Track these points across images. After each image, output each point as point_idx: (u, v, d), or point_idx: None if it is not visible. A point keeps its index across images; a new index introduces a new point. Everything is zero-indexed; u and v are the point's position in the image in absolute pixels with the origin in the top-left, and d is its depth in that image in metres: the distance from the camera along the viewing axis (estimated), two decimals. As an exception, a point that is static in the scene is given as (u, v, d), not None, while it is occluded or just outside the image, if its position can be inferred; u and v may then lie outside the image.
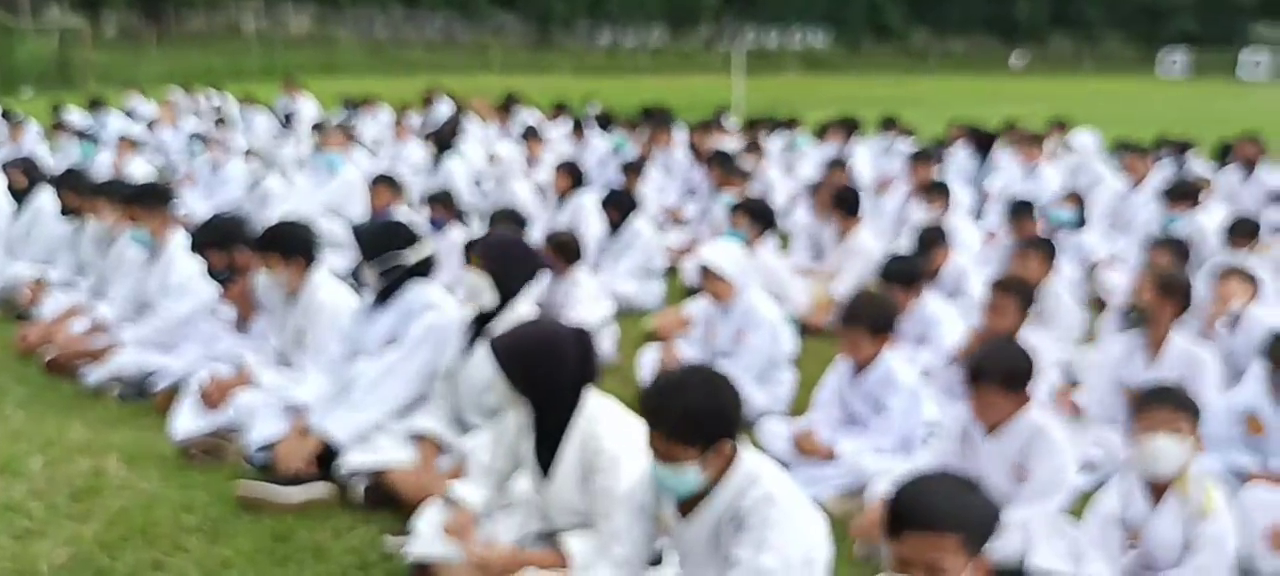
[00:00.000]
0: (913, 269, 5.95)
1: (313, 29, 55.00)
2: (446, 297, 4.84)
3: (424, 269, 4.84)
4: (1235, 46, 52.15)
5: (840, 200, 7.91)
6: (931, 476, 2.73)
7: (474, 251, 4.41)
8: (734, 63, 25.78)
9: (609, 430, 3.42)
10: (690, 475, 2.91)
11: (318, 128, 12.23)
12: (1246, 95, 37.26)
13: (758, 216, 7.37)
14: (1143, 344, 4.90)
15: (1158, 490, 3.52)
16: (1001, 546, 3.69)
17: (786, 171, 12.06)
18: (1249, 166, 10.19)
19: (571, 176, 8.75)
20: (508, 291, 4.26)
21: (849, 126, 13.26)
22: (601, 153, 12.73)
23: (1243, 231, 6.86)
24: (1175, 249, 6.08)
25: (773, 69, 48.87)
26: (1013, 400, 3.88)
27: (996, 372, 3.89)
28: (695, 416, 2.87)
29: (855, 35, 63.90)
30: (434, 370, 4.48)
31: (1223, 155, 11.27)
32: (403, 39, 54.86)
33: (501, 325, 3.95)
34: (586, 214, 8.38)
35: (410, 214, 8.00)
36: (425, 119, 15.78)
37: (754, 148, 11.52)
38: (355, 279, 6.07)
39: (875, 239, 8.05)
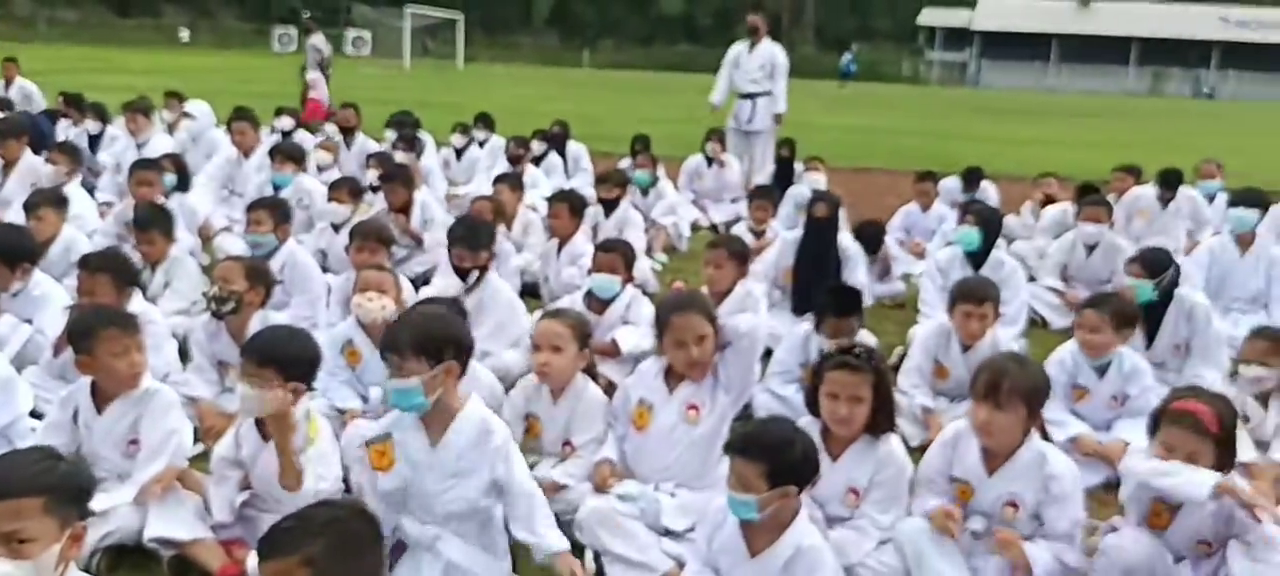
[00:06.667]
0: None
1: None
2: None
3: None
4: (341, 26, 56.98)
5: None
6: (21, 451, 2.71)
7: None
8: None
9: None
10: None
11: None
12: (352, 69, 40.96)
13: None
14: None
15: (265, 428, 3.67)
16: (119, 522, 3.61)
17: None
18: (349, 132, 11.25)
19: None
20: None
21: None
22: None
23: (348, 189, 7.61)
24: (275, 210, 6.40)
25: None
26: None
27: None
28: None
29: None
30: None
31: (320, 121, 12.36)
32: None
33: None
34: None
35: None
36: None
37: None
38: None
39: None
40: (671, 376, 4.16)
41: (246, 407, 3.61)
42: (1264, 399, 4.78)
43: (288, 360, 3.59)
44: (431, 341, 3.32)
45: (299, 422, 3.64)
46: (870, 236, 7.85)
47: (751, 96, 11.85)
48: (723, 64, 12.20)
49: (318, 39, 16.92)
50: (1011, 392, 3.54)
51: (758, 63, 11.84)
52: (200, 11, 65.66)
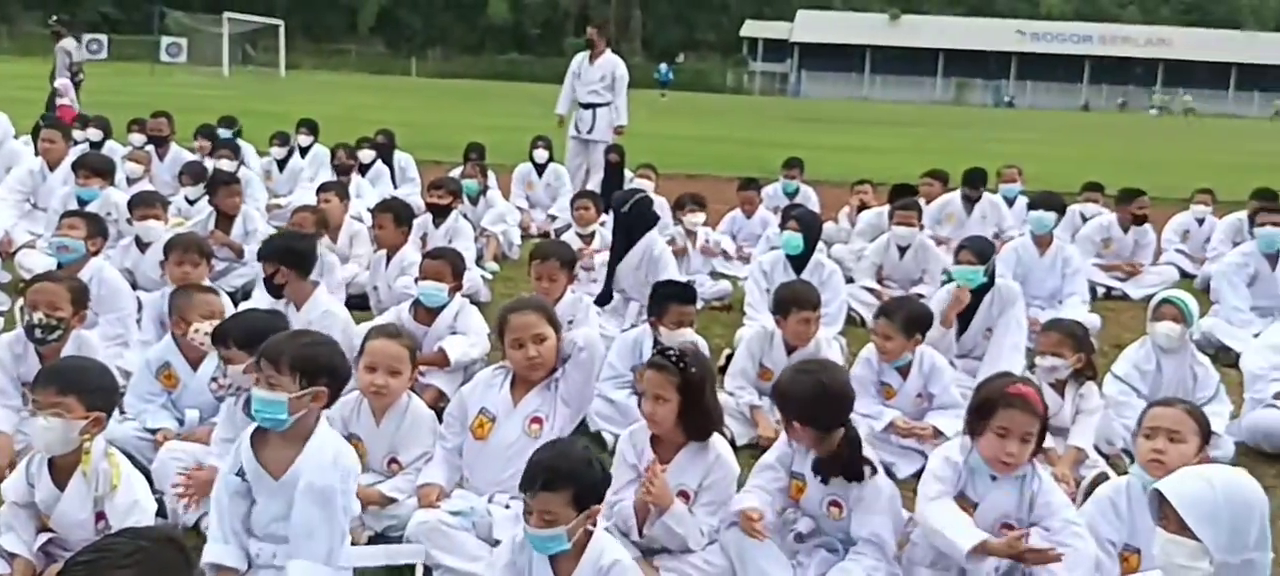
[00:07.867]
0: None
1: None
2: None
3: None
4: (154, 33, 54.51)
5: None
6: None
7: None
8: None
9: None
10: None
11: None
12: (166, 77, 39.26)
13: None
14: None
15: (63, 472, 3.44)
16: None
17: None
18: (161, 143, 10.77)
19: None
20: None
21: None
22: None
23: (152, 202, 7.25)
24: (91, 222, 6.08)
25: None
26: None
27: None
28: None
29: None
30: None
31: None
32: None
33: None
34: None
35: None
36: None
37: None
38: None
39: None
40: (517, 388, 4.13)
41: (45, 441, 3.39)
42: (1060, 388, 5.10)
43: (90, 388, 3.41)
44: (311, 364, 3.26)
45: (98, 461, 3.43)
46: (697, 202, 8.85)
47: (592, 106, 12.00)
48: (567, 74, 12.32)
49: (67, 43, 15.97)
50: (779, 397, 3.79)
51: (598, 75, 12.03)
52: (2, 17, 61.17)
